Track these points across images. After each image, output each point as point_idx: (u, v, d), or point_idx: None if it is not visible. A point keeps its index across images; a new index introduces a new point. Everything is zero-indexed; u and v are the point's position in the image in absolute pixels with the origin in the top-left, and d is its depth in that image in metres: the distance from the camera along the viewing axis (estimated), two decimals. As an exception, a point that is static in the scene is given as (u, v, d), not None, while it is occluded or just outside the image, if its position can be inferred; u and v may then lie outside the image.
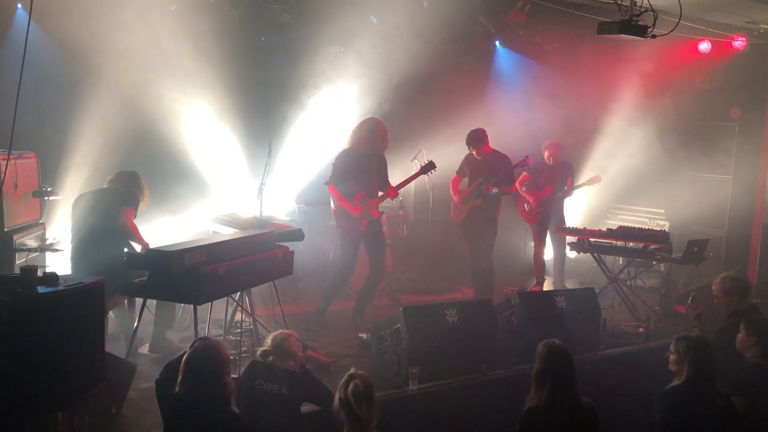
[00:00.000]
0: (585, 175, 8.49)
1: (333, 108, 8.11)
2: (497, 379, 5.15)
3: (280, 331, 4.22)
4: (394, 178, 6.69)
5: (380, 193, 6.47)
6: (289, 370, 4.00)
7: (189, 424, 3.28)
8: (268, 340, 4.08)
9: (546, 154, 7.85)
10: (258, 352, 4.12)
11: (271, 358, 3.99)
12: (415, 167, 8.49)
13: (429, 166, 6.65)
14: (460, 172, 7.22)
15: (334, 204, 6.44)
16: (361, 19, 7.63)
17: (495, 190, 6.83)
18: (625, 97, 9.10)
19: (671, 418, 3.74)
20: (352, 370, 3.38)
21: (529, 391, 3.71)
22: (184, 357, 3.36)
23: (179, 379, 3.32)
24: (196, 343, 3.40)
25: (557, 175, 7.85)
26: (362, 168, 6.32)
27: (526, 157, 7.04)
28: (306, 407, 4.12)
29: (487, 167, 6.91)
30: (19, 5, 6.52)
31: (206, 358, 3.32)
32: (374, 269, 6.50)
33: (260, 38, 8.00)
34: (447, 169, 7.55)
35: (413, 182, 8.74)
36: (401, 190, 8.33)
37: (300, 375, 4.07)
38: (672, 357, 3.93)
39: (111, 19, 6.69)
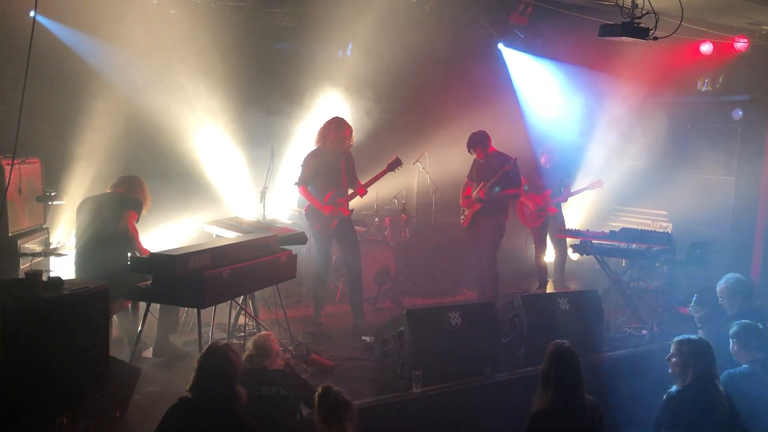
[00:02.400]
0: (585, 177, 8.49)
1: (335, 112, 8.12)
2: (501, 382, 5.15)
3: (258, 333, 4.24)
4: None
5: (350, 191, 6.47)
6: (280, 370, 4.02)
7: (197, 428, 3.27)
8: (250, 345, 4.07)
9: (543, 159, 7.86)
10: (243, 359, 4.08)
11: (258, 361, 3.99)
12: (418, 170, 8.52)
13: (395, 163, 6.54)
14: (470, 176, 7.18)
15: (304, 204, 6.48)
16: (364, 23, 7.65)
17: (494, 191, 6.79)
18: (627, 99, 9.11)
19: (677, 420, 3.73)
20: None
21: (532, 393, 3.72)
22: (198, 361, 3.37)
23: (191, 383, 3.33)
24: (210, 349, 3.41)
25: (554, 179, 7.86)
26: (330, 167, 6.34)
27: (514, 159, 6.90)
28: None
29: (487, 170, 6.88)
30: (32, 13, 6.55)
31: (220, 364, 3.33)
32: (351, 268, 6.53)
33: (262, 42, 8.01)
34: (451, 171, 7.55)
35: (415, 185, 8.83)
36: (404, 193, 8.42)
37: (292, 374, 4.09)
38: (674, 360, 3.90)
39: (113, 24, 6.72)
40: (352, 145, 6.51)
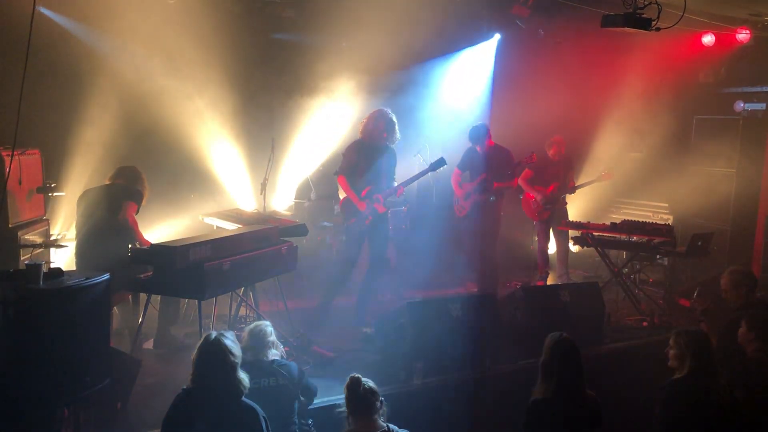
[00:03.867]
0: (589, 170, 8.46)
1: (335, 103, 8.10)
2: (501, 373, 5.17)
3: (254, 324, 4.19)
4: (399, 174, 6.64)
5: (387, 189, 6.35)
6: (276, 360, 4.02)
7: (202, 418, 3.25)
8: (245, 336, 4.05)
9: (552, 151, 7.83)
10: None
11: (254, 352, 3.97)
12: (419, 162, 8.51)
13: (439, 163, 6.35)
14: (461, 166, 7.18)
15: (341, 196, 6.38)
16: (364, 14, 7.61)
17: (497, 186, 6.80)
18: (629, 91, 9.07)
19: (673, 411, 3.74)
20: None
21: (533, 385, 3.72)
22: (195, 354, 3.36)
23: (191, 377, 3.32)
24: (205, 341, 3.40)
25: (561, 171, 7.85)
26: (371, 161, 6.20)
27: (532, 153, 6.95)
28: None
29: (490, 163, 6.87)
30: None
31: (217, 355, 3.31)
32: (374, 264, 6.44)
33: (262, 34, 7.97)
34: (451, 162, 7.50)
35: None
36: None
37: (288, 363, 4.09)
38: (672, 352, 3.91)
39: (114, 15, 6.69)
40: (395, 139, 6.28)
